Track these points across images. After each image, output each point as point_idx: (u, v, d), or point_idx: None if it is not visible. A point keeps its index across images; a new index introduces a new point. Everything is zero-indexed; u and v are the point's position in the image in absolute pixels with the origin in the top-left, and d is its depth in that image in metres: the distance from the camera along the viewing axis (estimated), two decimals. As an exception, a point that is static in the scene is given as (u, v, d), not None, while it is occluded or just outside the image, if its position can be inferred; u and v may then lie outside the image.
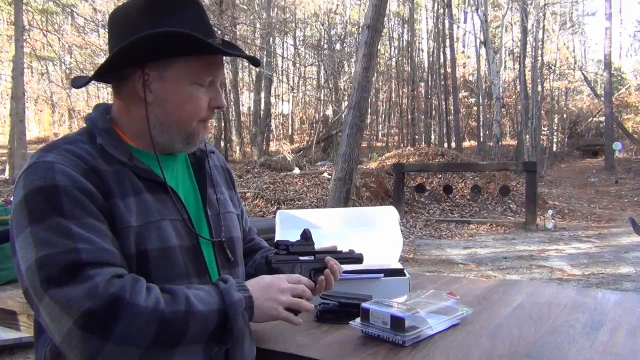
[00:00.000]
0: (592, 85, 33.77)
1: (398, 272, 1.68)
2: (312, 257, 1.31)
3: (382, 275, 1.65)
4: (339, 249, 1.42)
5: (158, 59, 1.12)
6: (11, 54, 13.33)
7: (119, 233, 1.04)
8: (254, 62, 1.32)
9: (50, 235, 0.96)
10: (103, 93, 23.80)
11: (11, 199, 1.07)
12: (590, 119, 33.50)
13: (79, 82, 1.25)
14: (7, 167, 14.03)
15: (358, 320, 1.34)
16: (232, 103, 23.50)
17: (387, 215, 1.95)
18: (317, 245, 1.53)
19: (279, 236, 1.86)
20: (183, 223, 1.15)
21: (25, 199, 1.00)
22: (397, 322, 1.26)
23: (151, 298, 0.97)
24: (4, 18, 18.68)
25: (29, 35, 15.60)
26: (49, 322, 0.95)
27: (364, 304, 1.33)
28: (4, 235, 1.95)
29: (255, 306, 1.10)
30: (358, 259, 1.42)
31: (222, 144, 20.62)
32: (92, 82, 1.22)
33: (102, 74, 1.17)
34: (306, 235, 1.34)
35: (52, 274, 0.94)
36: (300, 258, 1.28)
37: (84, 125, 1.18)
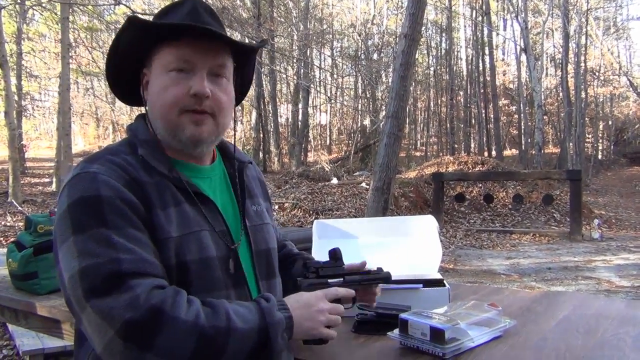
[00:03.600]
0: (639, 90, 32.72)
1: (438, 283, 1.64)
2: (341, 279, 1.29)
3: (422, 285, 1.61)
4: (367, 267, 1.39)
5: (145, 57, 1.15)
6: (58, 71, 13.80)
7: (159, 244, 1.05)
8: (249, 47, 1.26)
9: (93, 245, 0.97)
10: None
11: (55, 209, 1.09)
12: (637, 126, 32.48)
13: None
14: (54, 179, 14.49)
15: (396, 331, 1.31)
16: (270, 114, 23.75)
17: (426, 224, 1.91)
18: (354, 255, 1.52)
19: (315, 246, 1.84)
20: (222, 234, 1.15)
21: (69, 209, 1.02)
22: (437, 334, 1.22)
23: (192, 311, 0.97)
24: (52, 36, 19.36)
25: (75, 52, 16.13)
26: (91, 331, 0.95)
27: (403, 315, 1.30)
28: (49, 245, 2.00)
29: (295, 326, 1.09)
30: (386, 279, 1.40)
31: (261, 155, 20.83)
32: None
33: (127, 94, 1.23)
34: (336, 256, 1.32)
35: (94, 284, 0.95)
36: (330, 281, 1.26)
37: (126, 135, 1.21)
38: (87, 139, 31.00)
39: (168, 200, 1.10)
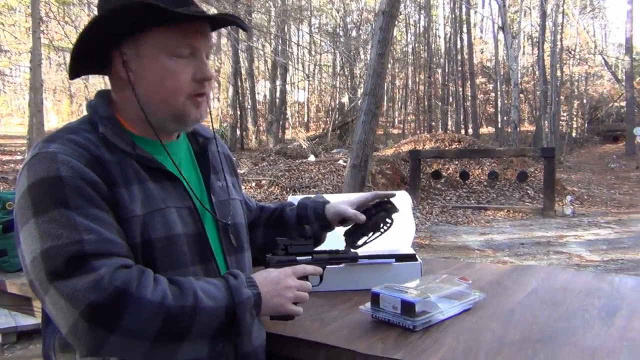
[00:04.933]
0: (613, 69, 33.18)
1: (410, 257, 1.66)
2: (309, 257, 1.30)
3: (394, 260, 1.63)
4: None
5: (128, 35, 1.10)
6: (29, 46, 13.44)
7: (124, 223, 1.03)
8: (238, 25, 1.22)
9: (55, 226, 0.96)
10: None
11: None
12: (610, 104, 32.96)
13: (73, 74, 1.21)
14: (26, 157, 14.20)
15: (368, 304, 1.32)
16: (247, 92, 23.52)
17: (400, 200, 1.92)
18: (328, 233, 1.54)
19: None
20: (188, 210, 1.14)
21: (29, 191, 1.00)
22: (408, 307, 1.24)
23: (158, 291, 0.96)
24: (23, 10, 18.82)
25: (46, 27, 15.70)
26: (55, 313, 0.94)
27: (374, 289, 1.32)
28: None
29: (263, 302, 1.10)
30: (354, 258, 1.42)
31: (238, 132, 20.67)
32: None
33: (90, 65, 1.17)
34: (305, 234, 1.33)
35: (57, 266, 0.93)
36: (298, 258, 1.27)
37: (86, 113, 1.17)
38: (60, 116, 30.38)
39: (131, 178, 1.07)
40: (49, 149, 1.03)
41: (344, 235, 1.51)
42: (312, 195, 1.58)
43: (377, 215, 1.48)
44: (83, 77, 1.26)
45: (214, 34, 1.30)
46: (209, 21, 1.14)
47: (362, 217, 1.46)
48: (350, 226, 1.51)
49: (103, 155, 1.06)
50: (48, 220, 0.96)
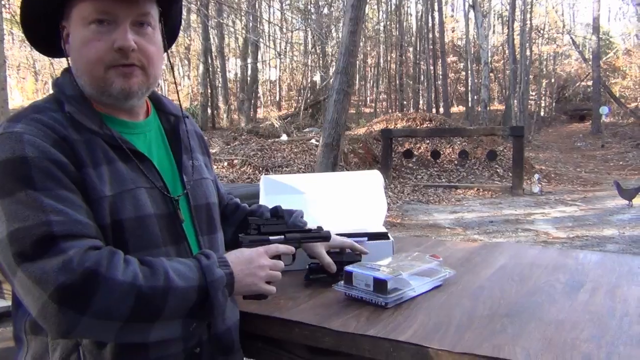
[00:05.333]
0: (581, 49, 33.69)
1: (382, 236, 1.69)
2: (282, 237, 1.31)
3: (366, 238, 1.65)
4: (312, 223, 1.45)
5: (62, 8, 1.09)
6: (-10, 20, 12.99)
7: (93, 204, 1.02)
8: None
9: (22, 208, 0.94)
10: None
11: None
12: (578, 84, 33.53)
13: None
14: (-10, 136, 13.84)
15: (342, 283, 1.34)
16: (218, 69, 23.23)
17: (372, 180, 1.94)
18: (302, 209, 1.54)
19: (262, 201, 1.85)
20: (159, 191, 1.13)
21: None
22: (380, 285, 1.26)
23: (129, 272, 0.95)
24: (-18, -17, 18.14)
25: (7, 0, 15.19)
26: (24, 295, 0.93)
27: (347, 267, 1.34)
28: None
29: (236, 282, 1.10)
30: (326, 237, 1.43)
31: (209, 110, 20.45)
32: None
33: (46, 46, 1.17)
34: (277, 213, 1.34)
35: (24, 248, 0.92)
36: (271, 238, 1.28)
37: (52, 91, 1.15)
38: (25, 94, 29.58)
39: (99, 158, 1.06)
40: (14, 129, 1.00)
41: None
42: (294, 210, 1.52)
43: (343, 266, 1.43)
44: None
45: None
46: None
47: (333, 269, 1.45)
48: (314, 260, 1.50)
49: (70, 135, 1.04)
50: (14, 201, 0.94)
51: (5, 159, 0.97)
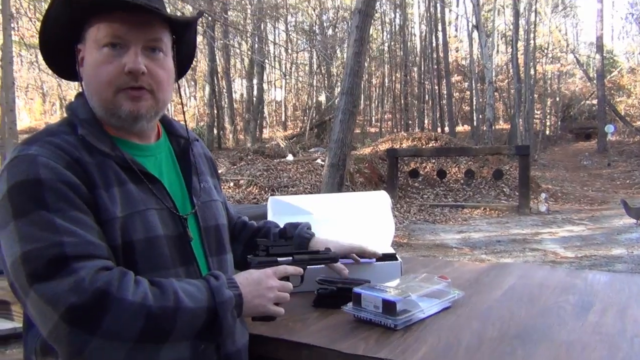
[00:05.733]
0: (585, 68, 33.76)
1: (390, 257, 1.68)
2: (290, 258, 1.31)
3: (374, 260, 1.65)
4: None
5: (78, 32, 1.13)
6: (0, 43, 13.19)
7: (104, 225, 1.03)
8: (183, 20, 1.21)
9: (35, 229, 0.95)
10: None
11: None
12: (582, 102, 33.54)
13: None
14: (-1, 157, 13.97)
15: (350, 304, 1.34)
16: (224, 90, 23.41)
17: (379, 200, 1.95)
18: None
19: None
20: (169, 212, 1.14)
21: (9, 193, 0.99)
22: (389, 306, 1.26)
23: (139, 292, 0.96)
24: (-8, 7, 18.44)
25: (17, 24, 15.42)
26: (36, 316, 0.94)
27: (356, 289, 1.34)
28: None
29: (244, 303, 1.10)
30: (334, 259, 1.45)
31: (215, 131, 20.56)
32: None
33: (65, 69, 1.20)
34: (285, 235, 1.35)
35: (37, 269, 0.93)
36: (279, 259, 1.29)
37: (66, 114, 1.17)
38: (32, 115, 29.86)
39: (111, 180, 1.07)
40: (28, 151, 1.02)
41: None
42: (301, 222, 1.56)
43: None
44: (56, 75, 1.27)
45: None
46: (153, 12, 1.10)
47: (345, 272, 1.48)
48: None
49: (83, 158, 1.06)
50: (28, 222, 0.96)
51: (20, 181, 0.99)
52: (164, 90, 1.16)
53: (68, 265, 0.93)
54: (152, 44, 1.12)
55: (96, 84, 1.11)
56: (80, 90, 1.18)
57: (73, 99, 1.20)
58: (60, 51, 1.17)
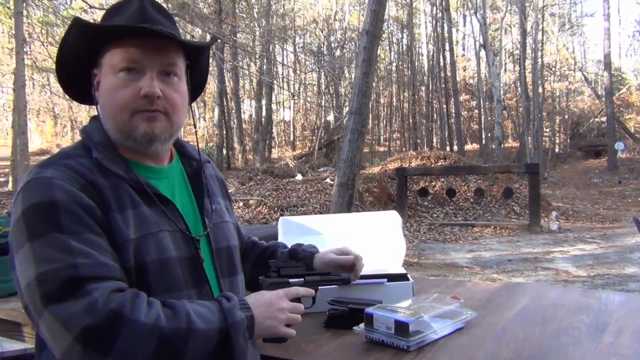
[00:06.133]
0: (593, 85, 33.73)
1: (402, 277, 1.68)
2: (302, 279, 1.31)
3: (386, 280, 1.64)
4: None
5: (94, 58, 1.15)
6: (12, 67, 13.38)
7: (118, 247, 1.04)
8: (198, 45, 1.25)
9: (49, 251, 0.96)
10: (105, 103, 23.80)
11: (13, 211, 1.07)
12: (591, 120, 33.47)
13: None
14: (10, 178, 14.09)
15: (362, 325, 1.33)
16: (233, 111, 23.57)
17: (390, 220, 1.94)
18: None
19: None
20: (181, 234, 1.15)
21: (24, 215, 1.00)
22: (401, 327, 1.25)
23: (152, 314, 0.96)
24: (5, 31, 18.77)
25: (29, 48, 15.68)
26: (50, 337, 0.94)
27: (368, 309, 1.33)
28: (6, 247, 1.96)
29: (256, 324, 1.10)
30: (345, 281, 1.44)
31: (224, 151, 20.65)
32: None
33: (80, 93, 1.23)
34: (297, 256, 1.35)
35: (51, 290, 0.94)
36: (291, 281, 1.29)
37: (80, 138, 1.19)
38: (44, 137, 30.15)
39: (125, 203, 1.09)
40: (44, 174, 1.04)
41: None
42: (304, 244, 1.56)
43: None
44: (68, 97, 1.30)
45: None
46: (168, 38, 1.13)
47: (351, 258, 1.47)
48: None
49: (97, 180, 1.08)
50: (43, 244, 0.97)
51: (36, 203, 1.00)
52: (178, 113, 1.18)
53: (82, 286, 0.94)
54: (167, 69, 1.15)
55: (112, 108, 1.13)
56: (95, 114, 1.21)
57: (87, 123, 1.22)
58: (76, 76, 1.20)
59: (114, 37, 1.12)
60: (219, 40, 15.19)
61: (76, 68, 1.18)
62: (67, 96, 1.25)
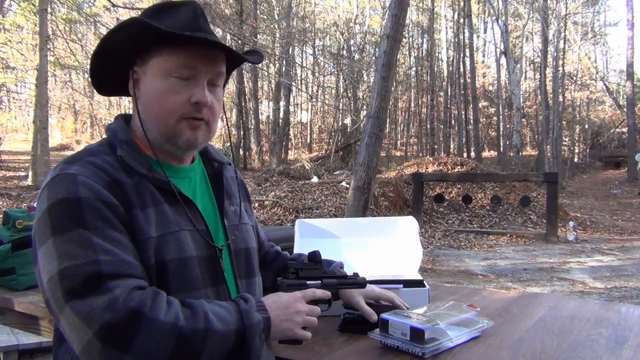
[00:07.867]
0: (615, 95, 33.32)
1: (418, 283, 1.67)
2: (319, 282, 1.31)
3: (402, 285, 1.64)
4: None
5: (137, 54, 1.15)
6: (36, 63, 13.59)
7: (139, 244, 1.06)
8: (250, 59, 1.25)
9: (73, 247, 0.97)
10: (124, 101, 24.17)
11: (34, 205, 1.08)
12: (612, 130, 33.04)
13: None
14: (30, 173, 14.30)
15: (377, 331, 1.33)
16: (251, 112, 23.67)
17: (407, 225, 1.93)
18: (335, 255, 1.55)
19: (297, 245, 1.86)
20: (201, 234, 1.16)
21: (49, 211, 1.02)
22: (417, 334, 1.24)
23: (171, 313, 0.97)
24: (30, 28, 19.05)
25: (53, 44, 15.89)
26: (70, 332, 0.95)
27: (383, 315, 1.33)
28: (27, 241, 1.98)
29: (273, 327, 1.11)
30: (362, 284, 1.42)
31: (241, 152, 20.75)
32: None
33: (113, 85, 1.23)
34: (315, 259, 1.35)
35: (73, 286, 0.95)
36: (309, 282, 1.28)
37: (105, 136, 1.21)
38: (64, 133, 30.57)
39: (147, 201, 1.10)
40: (69, 170, 1.06)
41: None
42: (335, 261, 1.51)
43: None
44: (88, 94, 1.31)
45: None
46: (221, 48, 1.15)
47: (374, 318, 1.41)
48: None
49: (121, 178, 1.09)
50: (66, 240, 0.98)
51: (60, 199, 1.02)
52: (216, 121, 1.21)
53: (104, 283, 0.95)
54: (215, 79, 1.18)
55: (159, 111, 1.14)
56: (118, 113, 1.22)
57: (112, 121, 1.24)
58: (110, 71, 1.20)
59: (170, 41, 1.12)
60: (239, 41, 15.27)
61: (114, 64, 1.18)
62: (87, 92, 1.26)
